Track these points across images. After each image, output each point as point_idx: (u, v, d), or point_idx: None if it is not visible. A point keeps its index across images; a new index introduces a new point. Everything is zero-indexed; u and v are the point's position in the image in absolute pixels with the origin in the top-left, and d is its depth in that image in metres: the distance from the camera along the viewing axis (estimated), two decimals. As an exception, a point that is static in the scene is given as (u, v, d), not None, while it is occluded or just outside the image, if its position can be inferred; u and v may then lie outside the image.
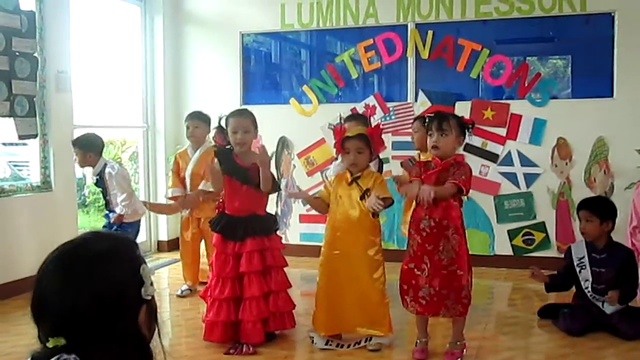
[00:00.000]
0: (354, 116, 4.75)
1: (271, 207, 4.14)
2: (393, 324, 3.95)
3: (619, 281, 4.11)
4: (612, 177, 5.70)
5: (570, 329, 4.08)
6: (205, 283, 4.73)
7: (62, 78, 5.45)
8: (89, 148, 4.88)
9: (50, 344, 1.23)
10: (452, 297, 3.57)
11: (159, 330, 1.40)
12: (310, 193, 6.43)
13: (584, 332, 4.05)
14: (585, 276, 4.17)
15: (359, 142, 3.75)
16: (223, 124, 4.01)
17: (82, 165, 4.96)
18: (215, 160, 4.06)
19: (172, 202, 5.32)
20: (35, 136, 5.29)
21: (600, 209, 4.23)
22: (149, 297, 1.35)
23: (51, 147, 5.40)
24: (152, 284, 1.35)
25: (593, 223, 4.19)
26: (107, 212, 5.01)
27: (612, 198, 5.41)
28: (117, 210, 4.80)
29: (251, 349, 3.79)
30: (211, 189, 4.64)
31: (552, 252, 5.87)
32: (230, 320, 3.87)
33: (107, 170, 4.82)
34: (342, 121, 4.34)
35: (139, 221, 5.10)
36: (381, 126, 4.18)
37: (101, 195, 4.99)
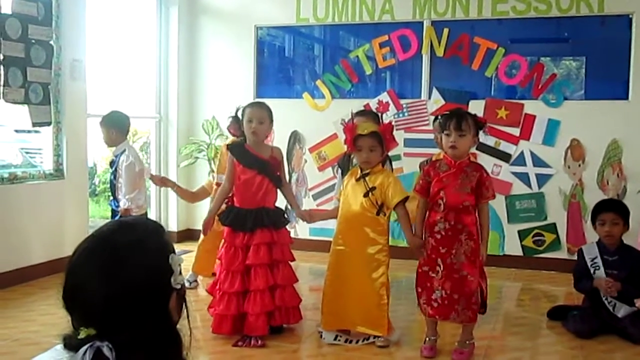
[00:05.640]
0: (365, 112, 4.71)
1: (282, 201, 4.13)
2: (402, 320, 3.96)
3: (630, 283, 4.08)
4: (625, 180, 5.67)
5: (579, 331, 4.06)
6: (213, 274, 4.74)
7: (77, 66, 5.47)
8: (113, 125, 4.80)
9: (82, 335, 1.25)
10: (462, 302, 3.56)
11: (187, 313, 1.41)
12: (321, 189, 6.49)
13: (593, 334, 4.03)
14: (600, 277, 4.14)
15: (371, 140, 3.73)
16: (240, 115, 4.02)
17: (108, 144, 4.89)
18: (229, 154, 4.07)
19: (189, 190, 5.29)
20: (49, 124, 5.31)
21: (624, 211, 4.23)
22: (179, 286, 1.36)
23: (64, 135, 5.42)
24: (180, 272, 1.37)
25: (619, 226, 4.18)
26: (111, 198, 4.97)
27: (625, 201, 5.38)
28: (121, 204, 4.76)
29: (259, 341, 3.79)
30: None
31: (562, 254, 5.85)
32: (240, 312, 3.88)
33: (123, 157, 4.79)
34: (352, 117, 4.33)
35: (145, 215, 5.08)
36: (393, 123, 4.16)
37: (111, 177, 4.94)
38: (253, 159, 3.96)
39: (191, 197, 5.63)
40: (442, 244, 3.57)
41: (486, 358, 3.71)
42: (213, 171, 5.58)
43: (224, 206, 4.21)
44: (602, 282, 4.09)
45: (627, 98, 5.68)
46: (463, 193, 3.54)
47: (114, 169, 4.85)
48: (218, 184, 5.15)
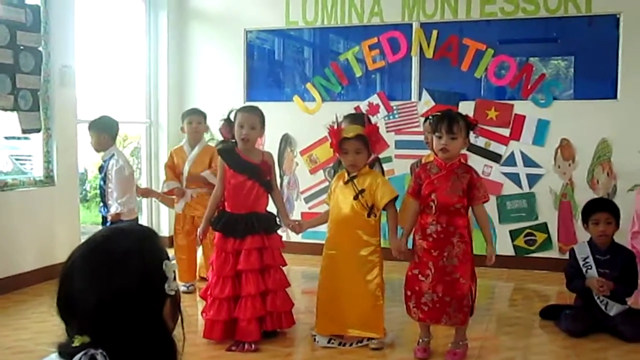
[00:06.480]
0: (352, 115, 4.69)
1: (273, 205, 4.14)
2: (396, 322, 3.98)
3: (622, 282, 4.11)
4: (615, 178, 5.70)
5: (571, 330, 4.08)
6: (204, 278, 4.75)
7: (66, 72, 5.45)
8: (103, 129, 4.79)
9: (76, 342, 1.25)
10: (454, 304, 3.57)
11: (181, 319, 1.41)
12: (313, 192, 6.50)
13: (586, 333, 4.04)
14: (592, 276, 4.16)
15: (357, 143, 3.74)
16: (232, 117, 4.00)
17: (97, 149, 4.88)
18: (219, 159, 4.07)
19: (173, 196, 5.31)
20: (38, 130, 5.29)
21: (616, 210, 4.26)
22: (173, 292, 1.36)
23: (54, 142, 5.40)
24: (175, 278, 1.37)
25: (612, 225, 4.20)
26: (102, 204, 4.94)
27: (615, 200, 5.42)
28: (112, 209, 4.73)
29: (253, 346, 3.78)
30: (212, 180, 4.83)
31: (553, 253, 5.88)
32: (231, 318, 3.87)
33: (112, 161, 4.77)
34: (339, 122, 4.32)
35: (136, 220, 5.07)
36: (378, 125, 4.17)
37: (100, 183, 4.92)
38: (243, 163, 3.96)
39: (172, 204, 5.64)
40: (434, 247, 3.58)
41: (479, 358, 3.72)
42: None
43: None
44: (594, 282, 4.11)
45: (615, 97, 5.72)
46: (454, 195, 3.56)
47: (103, 174, 4.83)
48: (169, 192, 5.20)
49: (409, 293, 3.69)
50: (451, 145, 3.54)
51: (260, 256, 3.89)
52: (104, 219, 4.88)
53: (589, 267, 4.19)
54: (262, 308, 3.88)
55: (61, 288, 1.31)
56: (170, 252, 5.34)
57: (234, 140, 4.01)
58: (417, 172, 3.76)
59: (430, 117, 4.02)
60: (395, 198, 3.80)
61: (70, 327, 1.29)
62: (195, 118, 5.23)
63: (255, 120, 3.96)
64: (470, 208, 3.66)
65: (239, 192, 3.95)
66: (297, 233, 4.21)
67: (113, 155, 4.79)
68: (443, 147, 3.55)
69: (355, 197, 3.78)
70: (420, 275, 3.62)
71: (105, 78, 6.79)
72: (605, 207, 4.29)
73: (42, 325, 4.16)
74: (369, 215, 3.78)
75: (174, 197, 5.27)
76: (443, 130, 3.54)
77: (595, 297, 4.14)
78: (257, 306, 3.84)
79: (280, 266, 4.04)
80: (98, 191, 5.13)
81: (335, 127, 3.85)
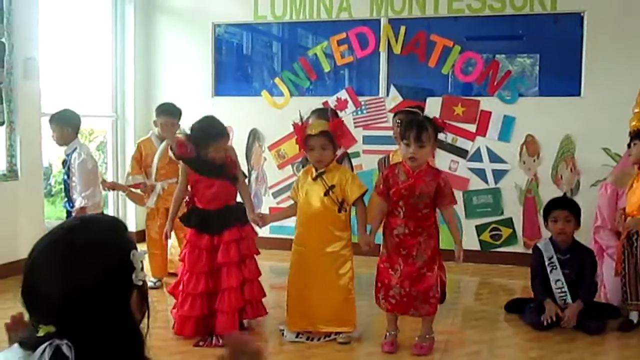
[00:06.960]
0: (318, 110, 4.69)
1: (240, 198, 4.12)
2: (363, 316, 4.00)
3: (580, 281, 4.18)
4: (578, 174, 5.80)
5: (535, 323, 4.14)
6: (174, 274, 4.71)
7: (30, 65, 5.34)
8: (66, 123, 4.73)
9: (41, 332, 1.23)
10: (420, 297, 3.61)
11: (148, 311, 1.40)
12: (281, 187, 6.48)
13: (549, 326, 4.11)
14: (556, 276, 4.22)
15: (322, 139, 3.75)
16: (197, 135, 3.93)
17: (60, 143, 4.81)
18: (181, 164, 4.06)
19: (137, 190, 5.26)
20: (1, 123, 5.19)
21: (576, 209, 4.32)
22: (140, 283, 1.35)
23: (18, 135, 5.30)
24: (142, 268, 1.35)
25: (571, 223, 4.26)
26: (66, 199, 4.87)
27: (578, 196, 5.53)
28: (77, 203, 4.67)
29: (221, 341, 3.77)
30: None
31: (518, 248, 5.96)
32: (203, 314, 3.87)
33: (75, 154, 4.70)
34: (307, 117, 4.32)
35: (101, 214, 5.00)
36: (344, 120, 4.17)
37: (64, 177, 4.85)
38: (210, 166, 3.93)
39: (143, 200, 5.59)
40: (403, 246, 3.63)
41: (446, 352, 3.76)
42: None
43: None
44: (552, 309, 4.12)
45: (579, 94, 5.81)
46: (422, 202, 3.60)
47: (66, 168, 4.77)
48: (135, 185, 5.15)
49: (379, 284, 3.73)
50: (419, 153, 3.56)
51: (238, 248, 3.91)
52: (69, 214, 4.81)
53: (554, 267, 4.24)
54: (241, 299, 3.90)
55: (25, 280, 1.29)
56: (142, 247, 5.28)
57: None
58: (385, 174, 3.76)
59: (398, 119, 4.03)
60: (364, 193, 3.82)
61: (34, 317, 1.27)
62: (171, 120, 5.12)
63: None
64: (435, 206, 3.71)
65: (207, 190, 3.95)
66: (260, 226, 4.19)
67: (76, 148, 4.73)
68: (412, 156, 3.56)
69: (326, 193, 3.78)
70: (390, 269, 3.66)
71: (71, 71, 6.68)
72: (564, 205, 4.35)
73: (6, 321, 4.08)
74: (339, 211, 3.79)
75: (139, 190, 5.22)
76: (411, 138, 3.54)
77: (557, 296, 4.20)
78: (238, 298, 3.87)
79: (254, 255, 4.07)
80: (62, 186, 5.04)
81: (300, 123, 3.84)
